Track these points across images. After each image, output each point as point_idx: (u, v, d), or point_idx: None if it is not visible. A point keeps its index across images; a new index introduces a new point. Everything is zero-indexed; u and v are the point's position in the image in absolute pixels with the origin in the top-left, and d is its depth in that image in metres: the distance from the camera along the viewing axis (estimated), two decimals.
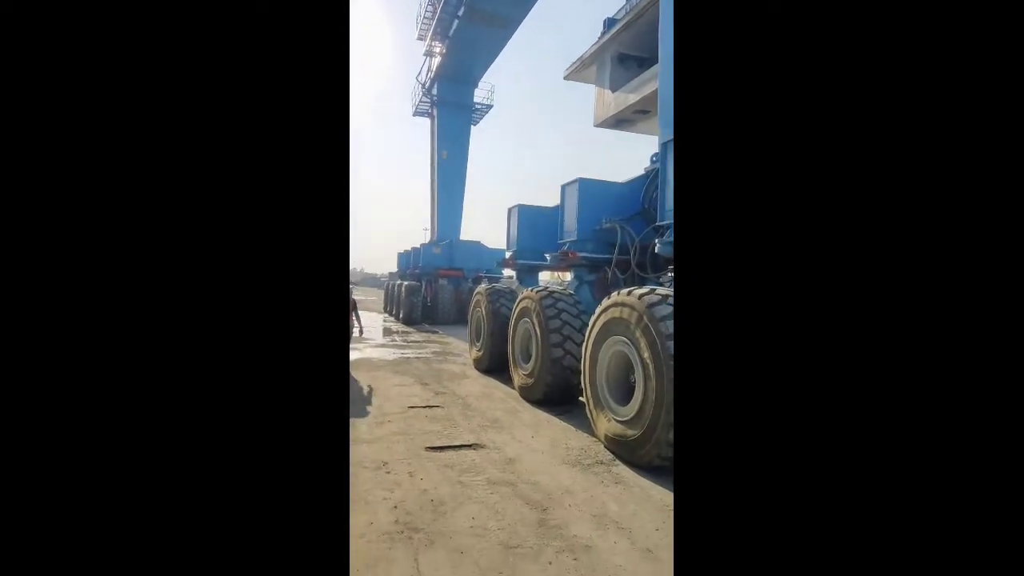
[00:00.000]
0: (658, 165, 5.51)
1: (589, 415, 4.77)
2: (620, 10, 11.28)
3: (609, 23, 11.33)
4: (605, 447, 4.45)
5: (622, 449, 4.13)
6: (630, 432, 4.03)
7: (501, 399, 6.36)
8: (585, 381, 4.84)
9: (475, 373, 8.15)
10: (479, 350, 8.27)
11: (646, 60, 11.01)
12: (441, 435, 4.76)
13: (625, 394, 4.38)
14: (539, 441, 4.70)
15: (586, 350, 4.82)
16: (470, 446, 4.48)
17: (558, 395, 5.89)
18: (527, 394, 6.21)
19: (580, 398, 5.94)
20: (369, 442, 4.48)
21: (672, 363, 3.56)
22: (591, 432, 4.98)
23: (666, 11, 5.78)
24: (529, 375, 6.18)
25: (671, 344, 3.59)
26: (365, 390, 6.90)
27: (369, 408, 6.06)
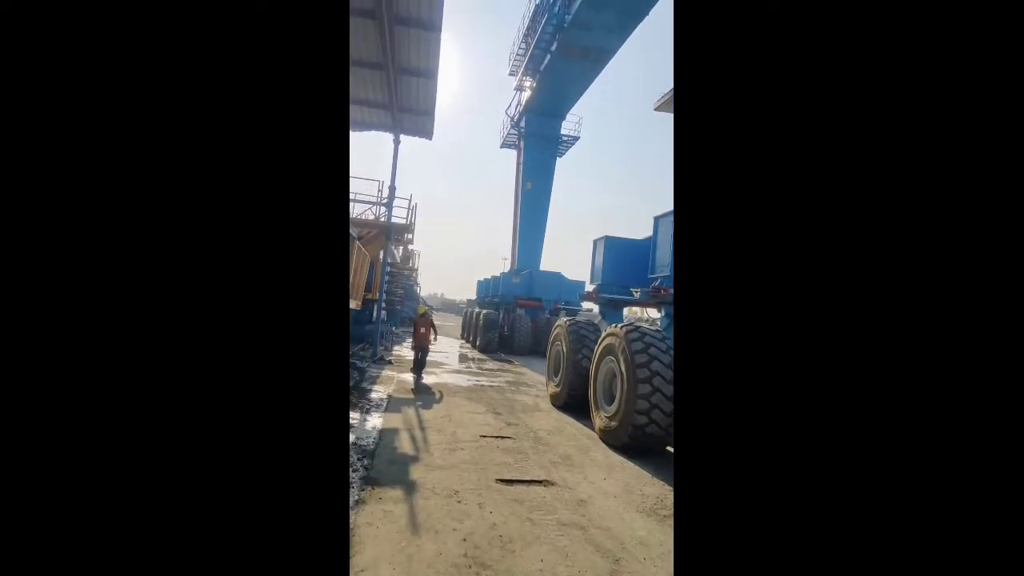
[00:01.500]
0: None
1: None
2: None
3: None
4: None
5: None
6: None
7: (573, 435, 6.20)
8: None
9: (547, 406, 8.03)
10: (557, 386, 8.07)
11: None
12: (512, 468, 4.70)
13: None
14: (612, 484, 4.49)
15: None
16: (540, 482, 4.37)
17: (644, 447, 5.52)
18: (609, 438, 5.85)
19: (669, 448, 5.62)
20: (442, 468, 4.50)
21: None
22: (668, 480, 4.68)
23: None
24: (612, 418, 5.84)
25: None
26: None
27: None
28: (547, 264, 21.48)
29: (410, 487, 3.97)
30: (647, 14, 15.14)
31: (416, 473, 4.31)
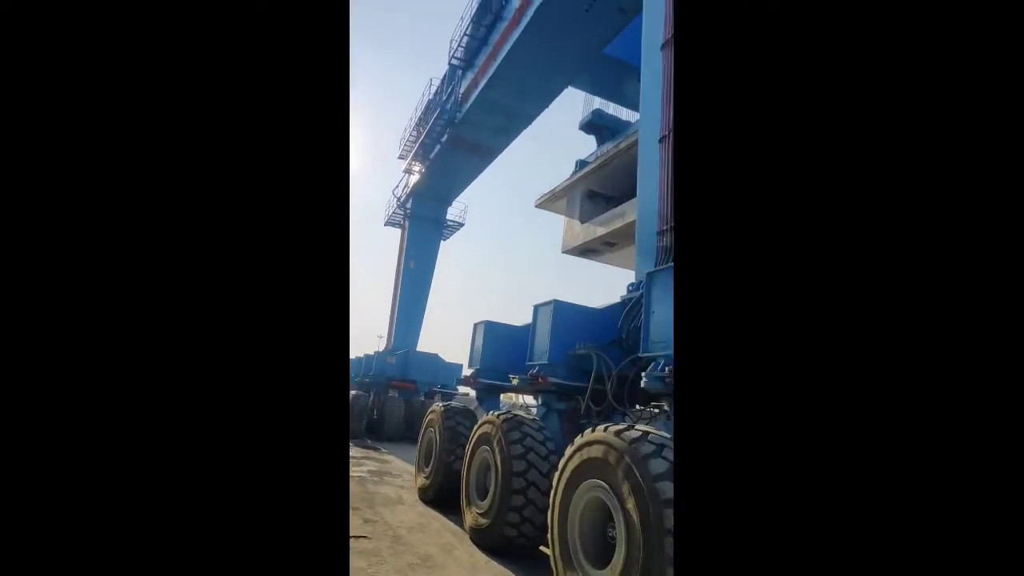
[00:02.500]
0: (635, 294, 5.46)
1: None
2: (592, 154, 12.25)
3: (581, 164, 12.24)
4: None
5: None
6: None
7: (437, 532, 5.58)
8: (553, 534, 4.08)
9: (412, 498, 7.26)
10: (427, 477, 7.33)
11: (613, 199, 11.78)
12: (363, 573, 3.96)
13: (601, 552, 3.74)
14: None
15: (555, 497, 4.16)
16: None
17: (516, 551, 5.01)
18: (478, 538, 5.26)
19: (542, 547, 5.19)
20: None
21: (669, 510, 3.08)
22: None
23: (645, 155, 6.14)
24: (484, 514, 5.27)
25: (662, 487, 3.13)
26: None
27: None
28: (424, 346, 20.85)
29: None
30: (534, 119, 16.50)
31: None
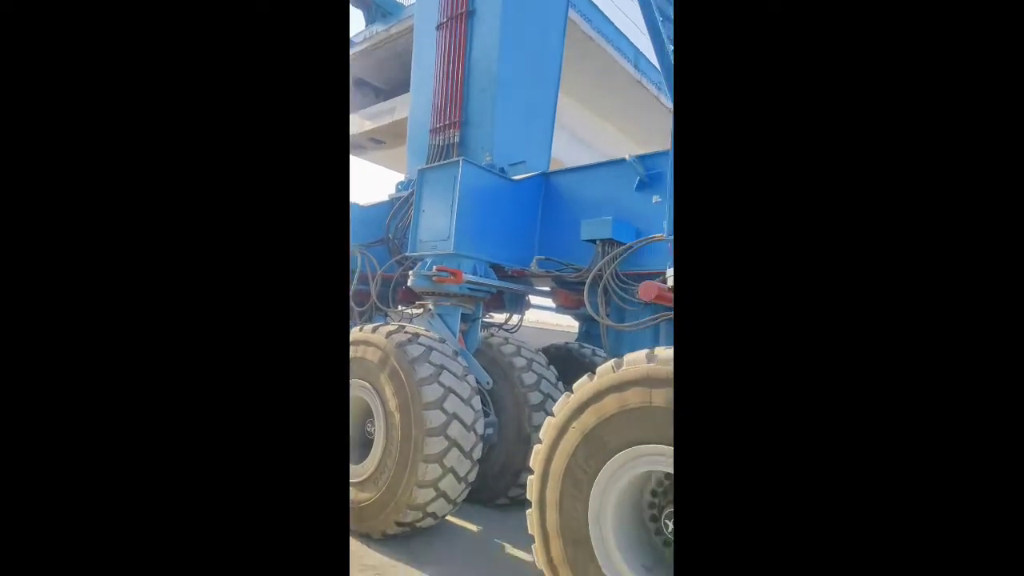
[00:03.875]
0: (404, 193, 5.24)
1: None
2: (359, 34, 10.93)
3: None
4: None
5: (353, 519, 3.42)
6: (363, 496, 3.41)
7: None
8: None
9: None
10: None
11: (383, 91, 10.94)
12: None
13: (358, 450, 3.74)
14: None
15: None
16: None
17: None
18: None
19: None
20: None
21: (424, 411, 3.17)
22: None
23: (421, 43, 5.70)
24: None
25: (425, 390, 3.20)
26: None
27: None
28: None
29: None
30: None
31: None
